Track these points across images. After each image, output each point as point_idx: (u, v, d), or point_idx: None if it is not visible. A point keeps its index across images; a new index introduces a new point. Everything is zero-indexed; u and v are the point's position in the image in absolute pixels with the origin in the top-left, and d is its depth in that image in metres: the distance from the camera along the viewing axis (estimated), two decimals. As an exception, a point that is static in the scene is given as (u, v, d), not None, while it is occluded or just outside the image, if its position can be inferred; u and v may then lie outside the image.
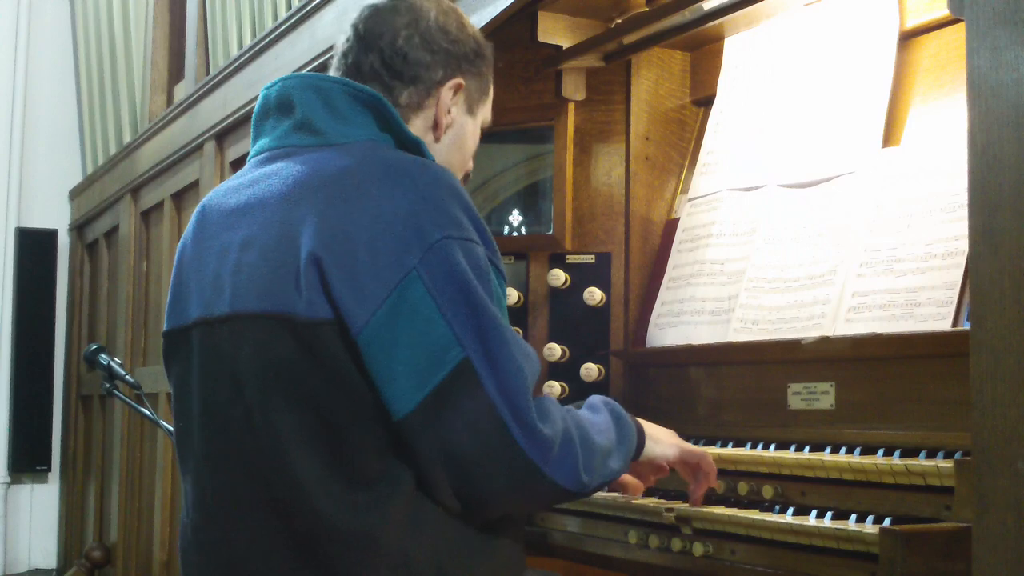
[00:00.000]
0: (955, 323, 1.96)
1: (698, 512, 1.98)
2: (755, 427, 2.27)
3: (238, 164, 4.30)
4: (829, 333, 2.17)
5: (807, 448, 2.06)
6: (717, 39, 2.70)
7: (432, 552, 1.63)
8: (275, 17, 4.14)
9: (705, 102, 2.76)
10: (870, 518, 1.76)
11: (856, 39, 2.36)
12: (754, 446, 2.17)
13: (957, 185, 2.03)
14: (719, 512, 1.94)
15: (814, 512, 1.86)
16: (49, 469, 6.55)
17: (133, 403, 3.30)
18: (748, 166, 2.53)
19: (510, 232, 2.83)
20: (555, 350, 2.69)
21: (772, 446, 2.13)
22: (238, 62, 4.19)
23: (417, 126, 1.87)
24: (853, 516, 1.79)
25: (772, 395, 2.25)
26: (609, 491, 2.10)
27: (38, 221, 6.63)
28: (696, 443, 2.21)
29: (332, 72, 1.89)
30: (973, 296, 1.44)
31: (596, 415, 1.82)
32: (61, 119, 6.80)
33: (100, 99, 6.33)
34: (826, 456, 1.98)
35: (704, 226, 2.58)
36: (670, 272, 2.64)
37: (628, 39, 2.62)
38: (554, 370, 2.69)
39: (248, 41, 4.32)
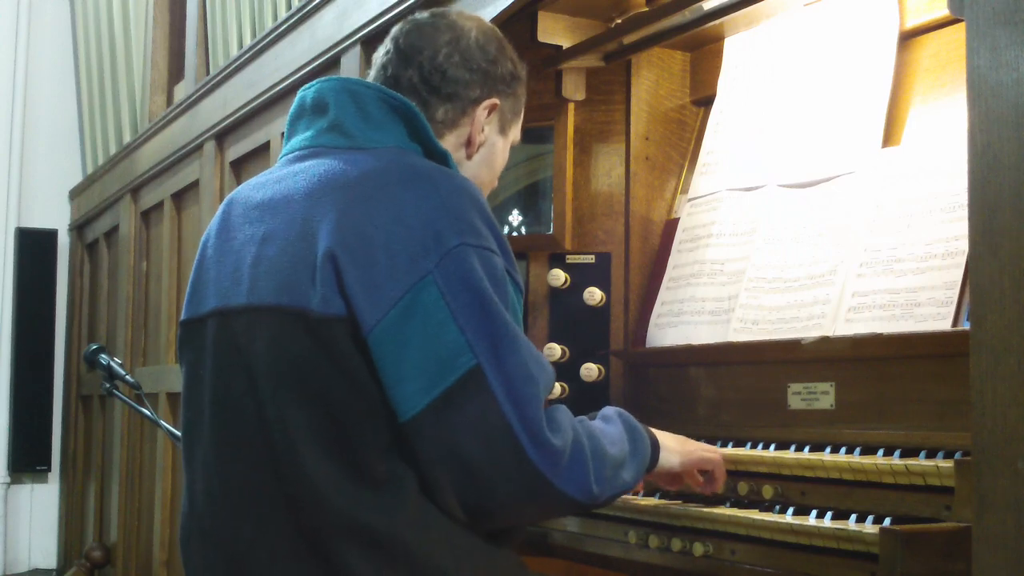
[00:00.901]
0: (955, 323, 1.96)
1: (698, 512, 1.98)
2: (755, 427, 2.27)
3: (238, 164, 4.30)
4: (829, 333, 2.17)
5: (807, 448, 2.06)
6: (717, 39, 2.70)
7: (437, 553, 1.63)
8: (275, 17, 4.14)
9: (705, 102, 2.76)
10: (870, 518, 1.76)
11: (856, 39, 2.36)
12: (754, 446, 2.17)
13: (957, 185, 2.03)
14: (719, 512, 1.94)
15: (814, 512, 1.86)
16: (49, 469, 6.55)
17: (133, 403, 3.30)
18: (748, 166, 2.53)
19: (510, 232, 2.83)
20: (555, 350, 2.69)
21: (772, 446, 2.13)
22: (238, 62, 4.19)
23: (450, 142, 1.90)
24: (853, 516, 1.79)
25: (772, 395, 2.25)
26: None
27: (38, 221, 6.63)
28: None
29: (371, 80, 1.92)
30: (973, 296, 1.44)
31: (609, 426, 1.82)
32: (61, 119, 6.80)
33: (100, 99, 6.33)
34: (826, 456, 1.98)
35: (704, 226, 2.58)
36: (670, 272, 2.64)
37: (628, 39, 2.62)
38: (554, 371, 2.69)
39: (248, 41, 4.32)
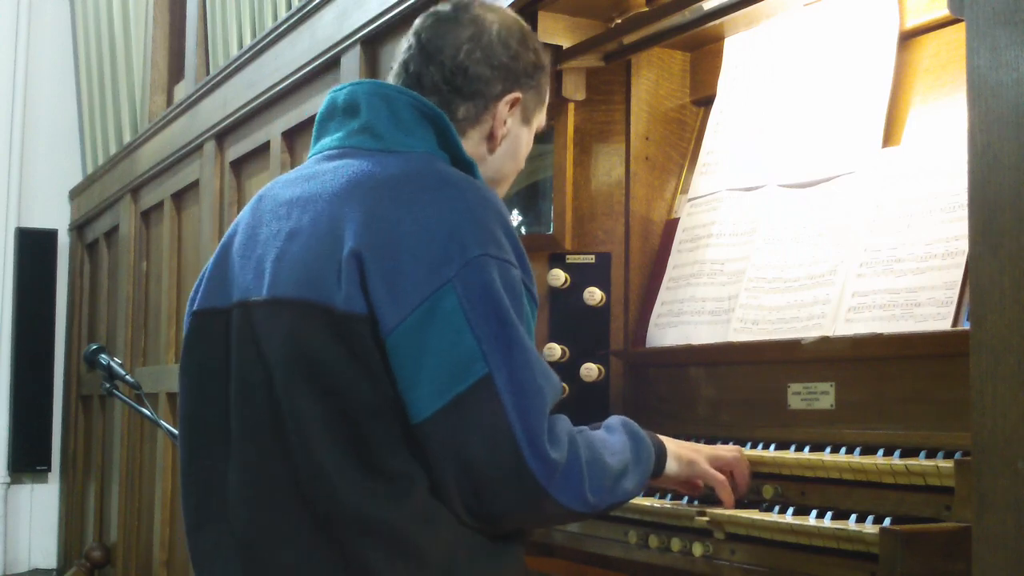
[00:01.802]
0: (955, 323, 1.96)
1: (697, 512, 1.98)
2: (755, 427, 2.27)
3: (238, 164, 4.31)
4: (829, 333, 2.16)
5: (807, 448, 2.06)
6: (717, 39, 2.69)
7: (445, 550, 1.65)
8: (275, 17, 4.14)
9: (705, 102, 2.76)
10: (870, 518, 1.76)
11: (856, 39, 2.36)
12: (754, 446, 2.17)
13: (957, 185, 2.03)
14: (719, 512, 1.94)
15: (814, 512, 1.86)
16: (49, 469, 6.56)
17: (133, 403, 3.30)
18: (748, 166, 2.53)
19: (510, 232, 2.82)
20: (555, 350, 2.69)
21: (772, 446, 2.13)
22: (238, 62, 4.19)
23: (473, 138, 1.91)
24: (853, 516, 1.79)
25: (772, 395, 2.25)
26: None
27: (38, 221, 6.64)
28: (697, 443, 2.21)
29: (392, 79, 1.93)
30: (973, 296, 1.44)
31: (612, 436, 1.83)
32: (61, 119, 6.81)
33: (100, 99, 6.33)
34: (826, 456, 1.98)
35: (704, 226, 2.58)
36: (670, 272, 2.64)
37: (628, 39, 2.62)
38: (554, 370, 2.68)
39: (248, 41, 4.32)
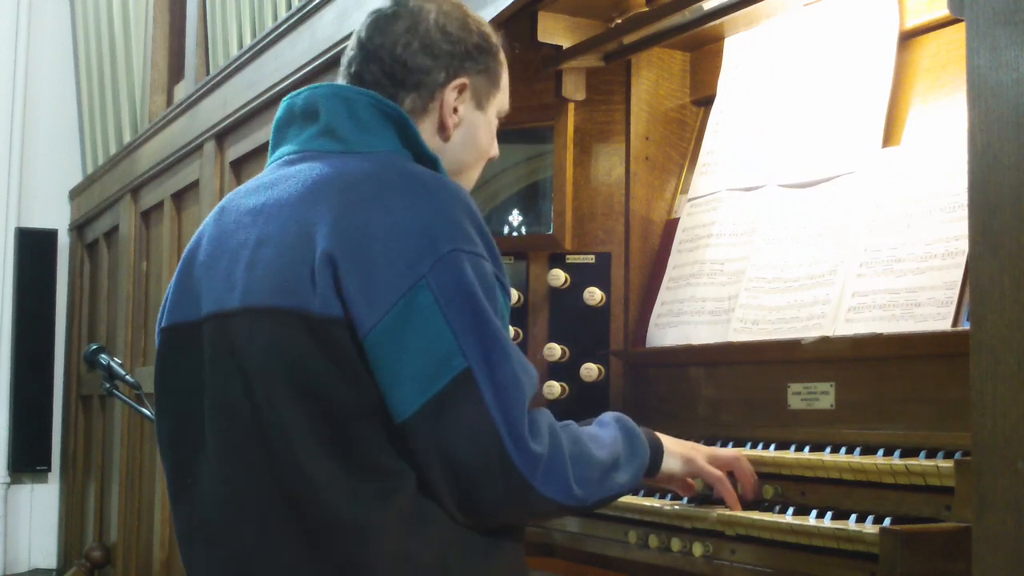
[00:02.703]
0: (955, 323, 1.96)
1: (697, 512, 1.98)
2: (755, 427, 2.27)
3: (238, 164, 4.30)
4: (829, 333, 2.16)
5: (807, 448, 2.06)
6: (717, 39, 2.70)
7: (436, 550, 1.65)
8: (275, 17, 4.14)
9: (705, 102, 2.76)
10: (870, 518, 1.76)
11: (856, 39, 2.36)
12: (754, 446, 2.17)
13: (957, 185, 2.03)
14: (719, 512, 1.94)
15: (814, 512, 1.86)
16: (49, 469, 6.55)
17: (133, 403, 3.30)
18: (748, 166, 2.53)
19: (510, 232, 2.83)
20: (555, 350, 2.69)
21: (772, 446, 2.13)
22: (238, 62, 4.19)
23: (426, 130, 1.87)
24: (853, 516, 1.79)
25: (772, 395, 2.25)
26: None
27: (38, 221, 6.63)
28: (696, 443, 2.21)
29: (339, 80, 1.91)
30: (973, 296, 1.44)
31: (603, 430, 1.83)
32: (61, 119, 6.80)
33: (100, 99, 6.33)
34: (826, 456, 1.98)
35: (704, 226, 2.58)
36: (670, 272, 2.64)
37: (628, 39, 2.62)
38: (554, 370, 2.69)
39: (248, 41, 4.32)
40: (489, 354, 1.62)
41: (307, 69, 3.58)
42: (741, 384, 2.35)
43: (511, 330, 2.69)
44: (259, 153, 4.12)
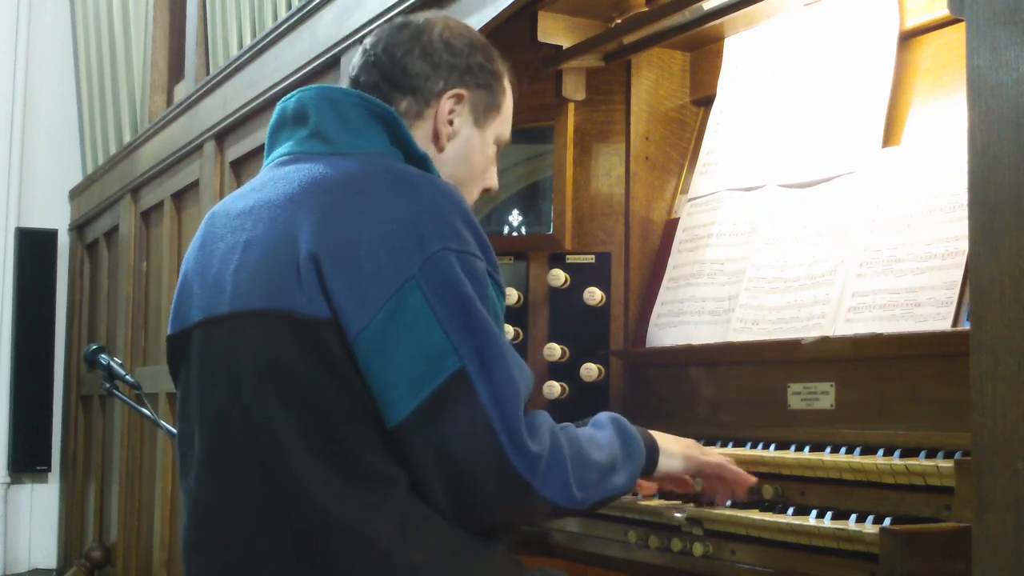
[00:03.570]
0: (955, 323, 1.97)
1: (697, 512, 1.98)
2: (755, 427, 2.27)
3: (238, 164, 4.30)
4: (829, 333, 2.17)
5: (807, 448, 2.06)
6: (717, 39, 2.70)
7: (429, 552, 1.63)
8: (275, 17, 4.14)
9: (705, 102, 2.76)
10: (870, 518, 1.76)
11: (856, 39, 2.36)
12: (754, 446, 2.17)
13: (957, 185, 2.03)
14: (719, 512, 1.94)
15: (814, 512, 1.86)
16: (49, 469, 6.55)
17: (133, 403, 3.30)
18: (748, 166, 2.53)
19: (510, 232, 2.83)
20: (555, 350, 2.69)
21: (772, 446, 2.13)
22: (238, 62, 4.19)
23: (419, 136, 1.86)
24: (853, 516, 1.79)
25: (772, 395, 2.25)
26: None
27: (38, 221, 6.63)
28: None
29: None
30: (973, 296, 1.44)
31: (599, 431, 1.83)
32: (61, 119, 6.80)
33: (100, 99, 6.33)
34: (826, 456, 1.98)
35: (704, 226, 2.58)
36: (670, 272, 2.64)
37: (628, 39, 2.62)
38: (554, 370, 2.69)
39: (248, 41, 4.32)
40: (483, 353, 1.61)
41: (307, 69, 3.58)
42: (741, 384, 2.35)
43: (510, 330, 2.69)
44: (259, 153, 4.12)
